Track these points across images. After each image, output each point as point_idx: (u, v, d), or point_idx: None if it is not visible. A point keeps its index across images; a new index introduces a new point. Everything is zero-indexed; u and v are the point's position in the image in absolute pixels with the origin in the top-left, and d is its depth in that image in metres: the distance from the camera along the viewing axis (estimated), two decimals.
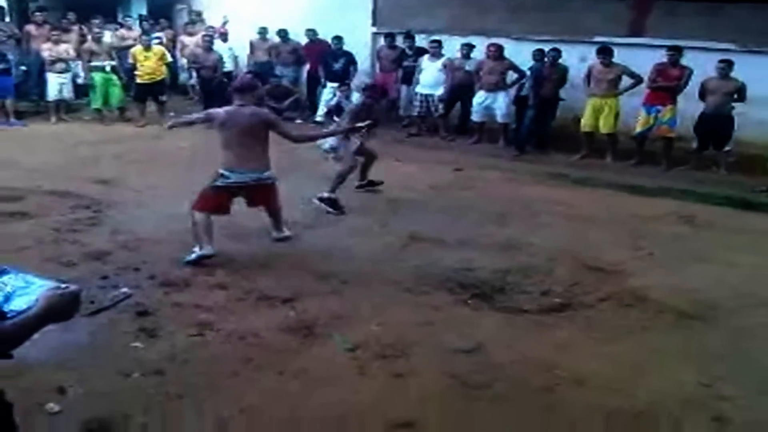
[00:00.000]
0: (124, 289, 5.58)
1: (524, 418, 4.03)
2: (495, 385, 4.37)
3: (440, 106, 12.76)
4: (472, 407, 4.14)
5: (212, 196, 6.37)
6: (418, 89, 12.81)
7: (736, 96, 10.31)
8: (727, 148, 10.52)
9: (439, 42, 12.74)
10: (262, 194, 6.64)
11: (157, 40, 14.51)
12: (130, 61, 13.50)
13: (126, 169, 9.50)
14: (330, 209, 7.87)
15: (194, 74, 14.27)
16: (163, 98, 13.54)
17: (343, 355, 4.73)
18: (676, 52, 10.70)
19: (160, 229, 7.05)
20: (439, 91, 12.68)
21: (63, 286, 2.21)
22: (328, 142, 8.36)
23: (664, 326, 5.31)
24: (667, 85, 10.77)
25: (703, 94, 10.53)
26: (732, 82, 10.28)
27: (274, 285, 5.79)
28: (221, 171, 6.35)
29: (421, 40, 13.40)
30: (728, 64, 10.27)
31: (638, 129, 11.04)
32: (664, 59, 10.81)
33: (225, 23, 15.50)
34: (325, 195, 7.94)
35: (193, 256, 6.21)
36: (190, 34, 15.44)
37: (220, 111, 6.51)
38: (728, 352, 4.88)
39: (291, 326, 5.09)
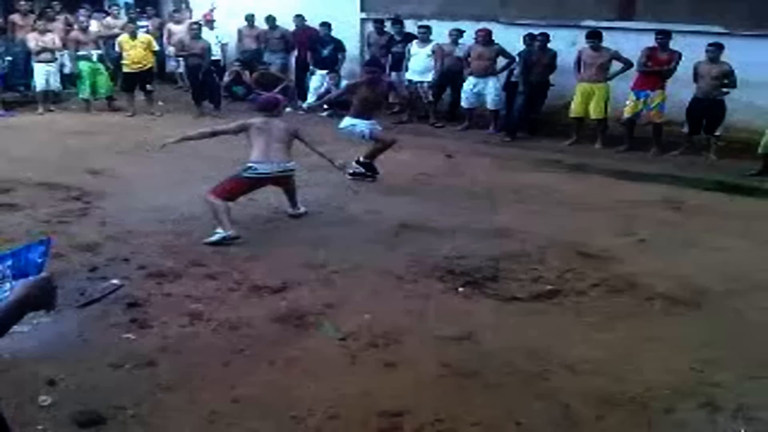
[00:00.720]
0: (115, 281, 5.57)
1: (516, 406, 4.03)
2: (486, 373, 4.38)
3: (429, 92, 12.70)
4: (464, 395, 4.15)
5: (235, 186, 6.83)
6: (408, 76, 12.75)
7: (726, 81, 10.29)
8: (717, 133, 10.52)
9: (427, 27, 12.67)
10: (283, 181, 7.13)
11: (143, 29, 14.39)
12: (117, 49, 13.41)
13: (115, 160, 9.46)
14: (367, 174, 8.27)
15: (182, 62, 14.17)
16: (151, 87, 13.44)
17: (334, 345, 4.73)
18: (666, 36, 10.68)
19: (150, 219, 7.04)
20: (429, 78, 12.62)
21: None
22: (360, 131, 8.48)
23: (655, 312, 5.33)
24: (657, 69, 10.75)
25: (696, 78, 10.52)
26: (721, 66, 10.27)
27: (265, 275, 5.78)
28: (249, 163, 6.85)
29: (410, 26, 13.33)
30: (717, 48, 10.25)
31: (627, 114, 11.02)
32: (653, 43, 10.78)
33: (212, 10, 15.39)
34: (362, 159, 8.29)
35: (216, 237, 6.46)
36: (178, 22, 15.30)
37: (254, 121, 7.13)
38: (719, 338, 4.90)
39: (282, 316, 5.08)
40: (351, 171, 8.56)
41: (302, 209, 7.40)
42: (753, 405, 4.06)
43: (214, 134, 7.47)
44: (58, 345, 4.58)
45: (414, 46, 12.72)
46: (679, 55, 10.59)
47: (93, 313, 5.06)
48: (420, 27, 12.74)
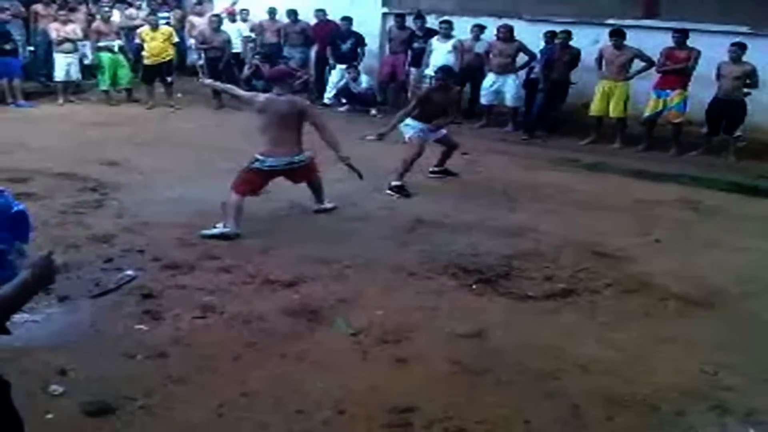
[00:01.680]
0: (129, 272, 5.59)
1: (526, 404, 4.02)
2: (497, 371, 4.37)
3: None
4: (474, 393, 4.14)
5: (250, 179, 6.74)
6: (428, 71, 12.65)
7: (748, 81, 10.21)
8: (737, 134, 10.44)
9: (449, 23, 12.55)
10: (299, 174, 7.05)
11: (164, 20, 14.45)
12: (137, 41, 13.47)
13: (133, 151, 9.49)
14: (399, 195, 8.01)
15: (203, 55, 14.23)
16: (171, 79, 13.47)
17: (345, 340, 4.73)
18: (682, 34, 10.62)
19: (166, 211, 7.06)
20: None
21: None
22: (409, 131, 8.39)
23: (668, 313, 5.30)
24: (674, 67, 10.67)
25: (718, 78, 10.44)
26: (743, 66, 10.19)
27: (278, 269, 5.78)
28: (257, 155, 6.71)
29: (431, 21, 13.25)
30: (741, 48, 10.17)
31: (647, 113, 10.98)
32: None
33: (234, 3, 15.42)
34: (393, 184, 8.08)
35: (214, 231, 6.47)
36: (199, 14, 15.33)
37: (261, 96, 6.99)
38: (732, 340, 4.87)
39: (294, 310, 5.09)
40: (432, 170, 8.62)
41: (329, 204, 7.37)
42: (763, 409, 4.03)
43: (234, 96, 7.64)
44: (70, 335, 4.61)
45: (435, 42, 12.61)
46: (698, 53, 10.50)
47: (106, 304, 5.09)
48: (442, 22, 12.63)
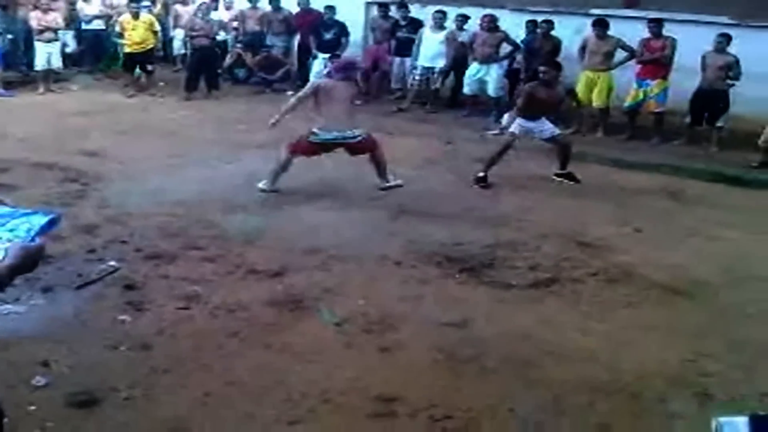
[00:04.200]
0: (112, 263, 5.56)
1: (510, 392, 4.05)
2: (482, 359, 4.39)
3: (439, 79, 12.63)
4: (459, 381, 4.16)
5: (306, 148, 7.48)
6: (420, 62, 12.61)
7: (730, 72, 10.27)
8: (719, 124, 10.51)
9: (443, 13, 12.51)
10: (356, 148, 7.60)
11: (145, 9, 14.34)
12: (118, 29, 13.38)
13: (114, 141, 9.43)
14: (480, 185, 8.10)
15: (187, 44, 14.14)
16: (152, 68, 13.41)
17: (330, 329, 4.73)
18: (657, 23, 10.69)
19: (148, 201, 7.02)
20: (440, 64, 12.52)
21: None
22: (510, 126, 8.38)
23: (650, 302, 5.34)
24: (652, 57, 10.72)
25: (703, 68, 10.50)
26: (726, 56, 10.26)
27: (262, 259, 5.78)
28: (314, 130, 7.39)
29: (414, 11, 13.26)
30: (726, 38, 10.23)
31: (627, 102, 11.03)
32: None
33: None
34: (478, 175, 8.15)
35: (260, 184, 7.46)
36: (184, 4, 15.28)
37: (320, 82, 7.89)
38: (713, 328, 4.92)
39: (279, 300, 5.08)
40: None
41: (392, 182, 7.65)
42: (744, 395, 4.08)
43: (294, 105, 7.74)
44: (53, 326, 4.58)
45: (427, 31, 12.57)
46: (674, 42, 10.56)
47: (90, 295, 5.06)
48: (435, 12, 12.57)
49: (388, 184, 7.63)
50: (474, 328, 4.81)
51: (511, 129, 8.31)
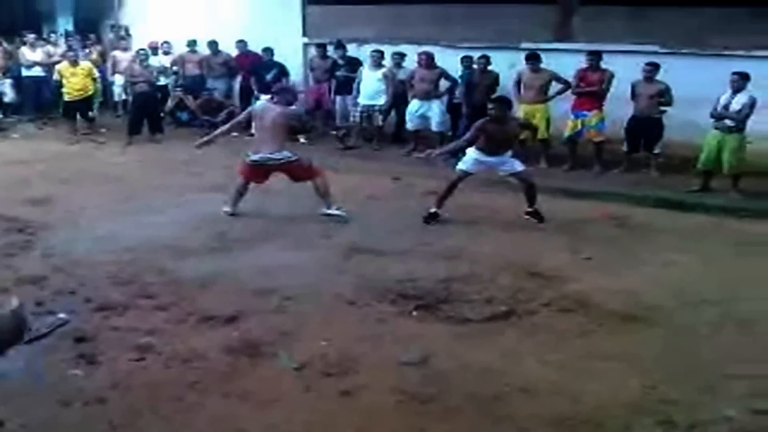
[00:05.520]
0: (61, 315, 5.43)
1: (476, 430, 4.03)
2: (444, 398, 4.37)
3: (380, 117, 12.70)
4: (423, 421, 4.13)
5: (246, 170, 8.18)
6: (360, 100, 12.68)
7: (662, 99, 10.52)
8: (656, 150, 10.73)
9: (380, 52, 12.62)
10: (289, 171, 8.15)
11: (83, 55, 14.21)
12: (56, 77, 13.19)
13: (59, 189, 9.27)
14: (434, 220, 8.16)
15: (128, 90, 14.01)
16: (93, 114, 13.26)
17: (289, 374, 4.67)
18: (595, 56, 10.90)
19: (95, 250, 6.90)
20: (381, 101, 12.60)
21: None
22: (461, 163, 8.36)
23: (606, 330, 5.38)
24: (590, 89, 10.94)
25: (633, 97, 10.72)
26: (657, 84, 10.50)
27: (215, 304, 5.69)
28: (248, 152, 8.15)
29: (352, 50, 13.39)
30: (654, 67, 10.48)
31: (567, 133, 11.20)
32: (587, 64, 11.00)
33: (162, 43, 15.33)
34: (433, 210, 8.20)
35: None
36: (124, 50, 15.19)
37: (254, 107, 8.69)
38: (670, 353, 4.98)
39: (235, 346, 5.00)
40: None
41: (335, 211, 8.05)
42: (707, 420, 4.12)
43: (229, 129, 8.80)
44: (4, 383, 4.44)
45: (366, 70, 12.70)
46: (611, 74, 10.78)
47: (40, 349, 4.92)
48: (373, 51, 12.69)
49: (328, 211, 8.05)
50: (434, 365, 4.79)
51: (461, 166, 8.33)
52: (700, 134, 10.08)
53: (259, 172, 8.15)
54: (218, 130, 8.46)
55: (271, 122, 8.00)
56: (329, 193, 8.16)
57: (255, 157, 8.03)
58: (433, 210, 8.19)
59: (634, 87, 10.64)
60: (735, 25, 11.02)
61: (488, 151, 8.19)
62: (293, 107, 8.66)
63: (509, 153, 8.32)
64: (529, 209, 8.32)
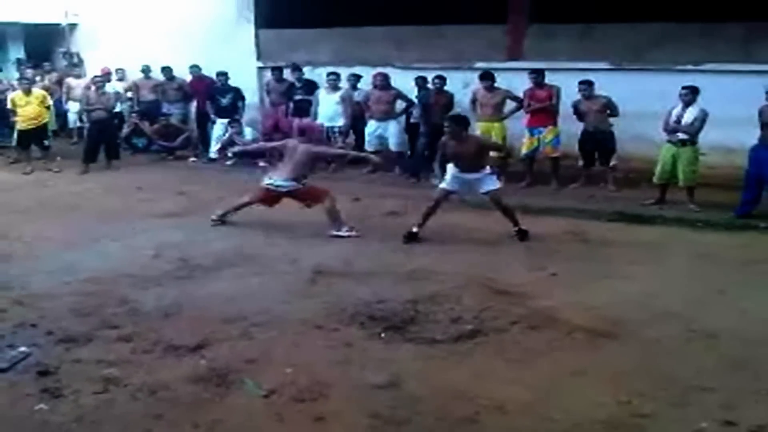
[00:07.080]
0: (22, 348, 5.31)
1: None
2: (416, 420, 4.35)
3: (340, 138, 12.69)
4: None
5: (261, 193, 8.76)
6: (319, 122, 12.72)
7: (608, 111, 10.69)
8: (612, 163, 10.89)
9: (337, 75, 12.74)
10: (296, 197, 8.70)
11: (36, 83, 14.00)
12: (9, 106, 12.95)
13: (15, 220, 9.11)
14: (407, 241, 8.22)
15: (84, 117, 13.83)
16: (48, 143, 13.03)
17: (259, 402, 4.61)
18: (538, 74, 11.07)
19: (56, 280, 6.78)
20: (340, 123, 12.66)
21: None
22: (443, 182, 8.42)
23: (575, 346, 5.41)
24: (540, 106, 11.06)
25: (578, 114, 10.88)
26: (599, 99, 10.69)
27: (180, 333, 5.60)
28: (266, 177, 8.81)
29: (307, 73, 13.41)
30: (588, 85, 10.68)
31: (524, 151, 11.31)
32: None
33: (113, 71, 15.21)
34: (414, 230, 8.27)
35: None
36: (78, 77, 15.05)
37: (289, 140, 9.42)
38: (640, 367, 5.01)
39: (202, 376, 4.92)
40: None
41: (344, 233, 8.40)
42: None
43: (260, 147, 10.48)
44: None
45: (323, 93, 12.76)
46: (558, 89, 10.96)
47: (2, 385, 4.81)
48: (329, 74, 12.78)
49: (337, 233, 8.39)
50: (405, 388, 4.76)
51: (442, 185, 8.40)
52: (653, 147, 10.30)
53: (270, 195, 8.68)
54: (255, 144, 9.53)
55: (294, 156, 8.69)
56: (339, 215, 8.52)
57: (269, 181, 8.65)
58: (414, 230, 8.24)
59: (576, 106, 10.83)
60: (683, 39, 11.35)
61: (462, 168, 8.26)
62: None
63: (486, 170, 8.39)
64: (515, 229, 8.36)
